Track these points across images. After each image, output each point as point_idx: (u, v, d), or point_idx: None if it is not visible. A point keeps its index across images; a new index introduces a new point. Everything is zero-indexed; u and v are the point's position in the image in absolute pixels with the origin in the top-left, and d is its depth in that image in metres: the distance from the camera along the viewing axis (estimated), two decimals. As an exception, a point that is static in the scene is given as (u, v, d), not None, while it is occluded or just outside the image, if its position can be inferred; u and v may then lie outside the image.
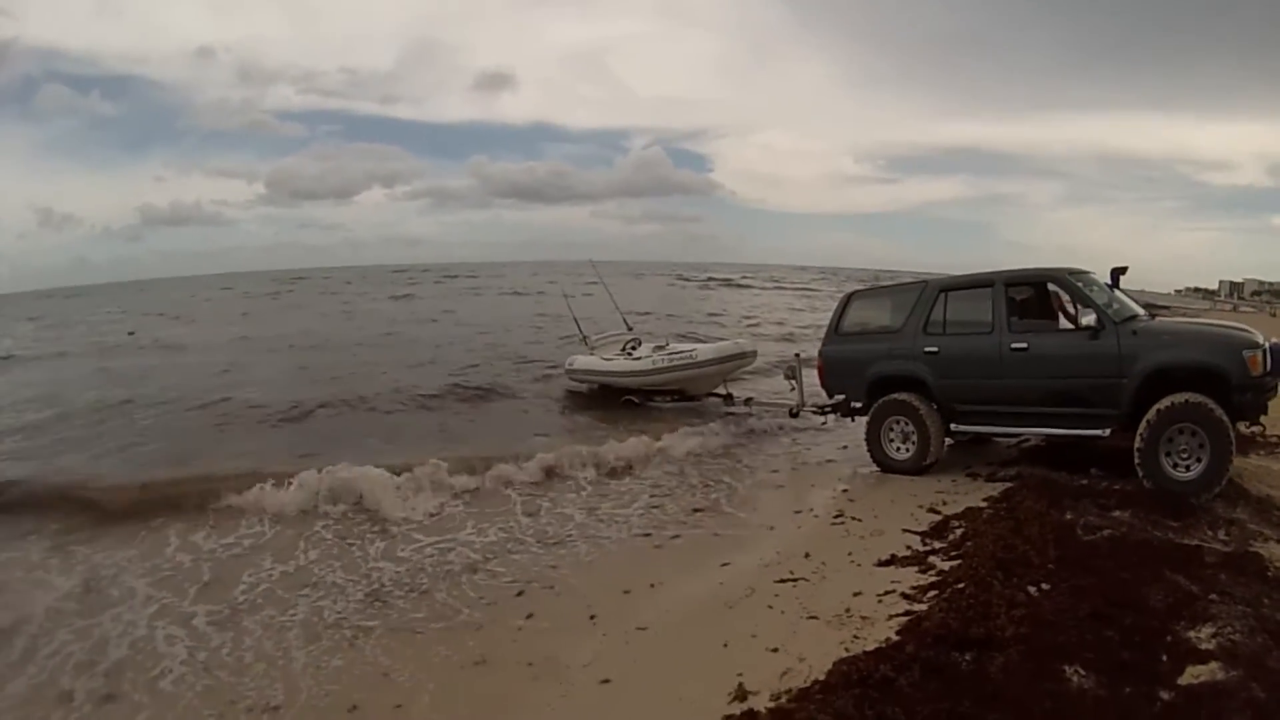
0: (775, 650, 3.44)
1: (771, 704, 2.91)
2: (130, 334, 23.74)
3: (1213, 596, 3.49)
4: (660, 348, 11.23)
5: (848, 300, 7.45)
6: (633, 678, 3.38)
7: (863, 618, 3.71)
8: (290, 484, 6.51)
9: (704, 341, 12.82)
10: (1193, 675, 2.83)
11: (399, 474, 6.80)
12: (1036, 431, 6.52)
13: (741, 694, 3.04)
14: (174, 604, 4.65)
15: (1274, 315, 51.61)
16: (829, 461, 7.68)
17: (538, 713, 3.21)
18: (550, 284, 30.15)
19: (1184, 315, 26.10)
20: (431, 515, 6.22)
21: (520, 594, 4.61)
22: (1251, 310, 64.18)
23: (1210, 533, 4.54)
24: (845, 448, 7.94)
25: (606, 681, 3.35)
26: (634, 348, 11.97)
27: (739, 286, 47.93)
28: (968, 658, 2.98)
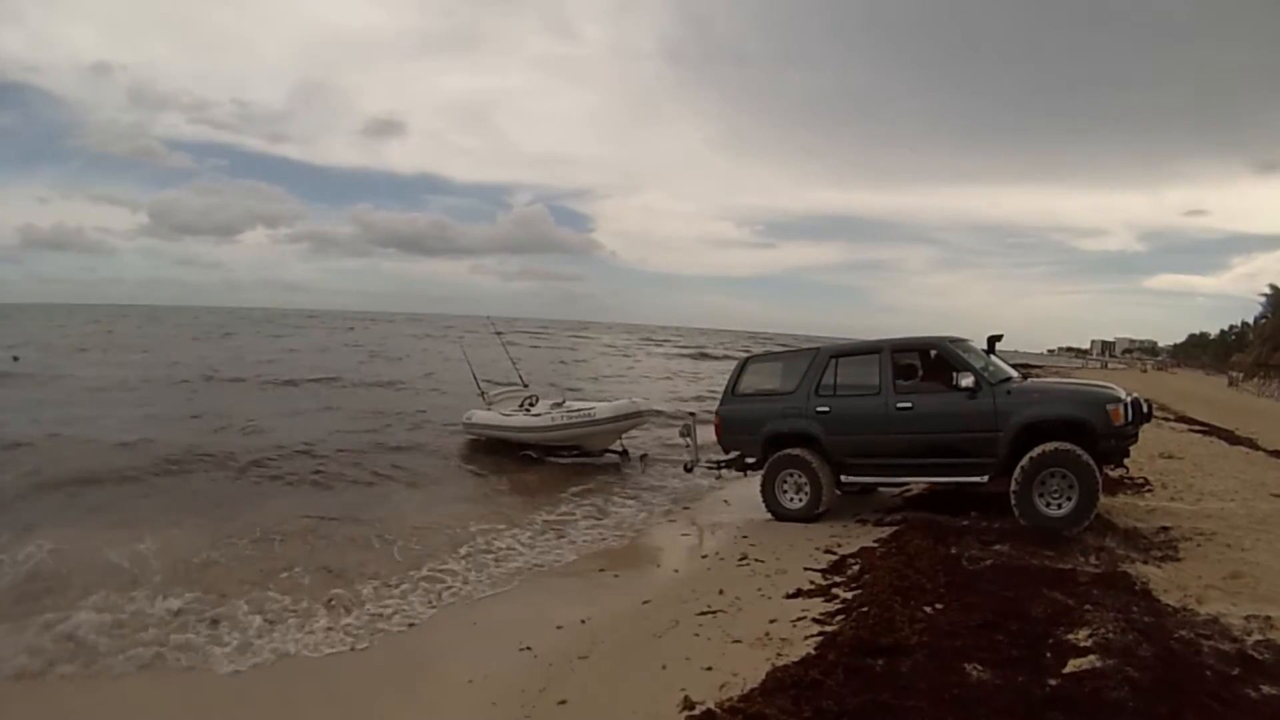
0: (709, 669, 3.78)
1: (718, 709, 3.26)
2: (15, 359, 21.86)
3: (1087, 607, 3.99)
4: (558, 404, 11.57)
5: (744, 365, 8.14)
6: (586, 698, 3.60)
7: (782, 639, 4.13)
8: None
9: (601, 400, 13.28)
10: (1075, 665, 3.29)
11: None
12: (920, 481, 7.34)
13: (689, 704, 3.35)
14: None
15: (1144, 371, 57.99)
16: (726, 511, 8.21)
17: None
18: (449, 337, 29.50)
19: (1056, 374, 29.35)
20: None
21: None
22: (1122, 367, 70.73)
23: (1083, 558, 5.10)
24: (729, 503, 8.54)
25: (563, 703, 3.55)
26: (532, 404, 12.23)
27: (617, 348, 49.09)
28: (881, 662, 3.47)
